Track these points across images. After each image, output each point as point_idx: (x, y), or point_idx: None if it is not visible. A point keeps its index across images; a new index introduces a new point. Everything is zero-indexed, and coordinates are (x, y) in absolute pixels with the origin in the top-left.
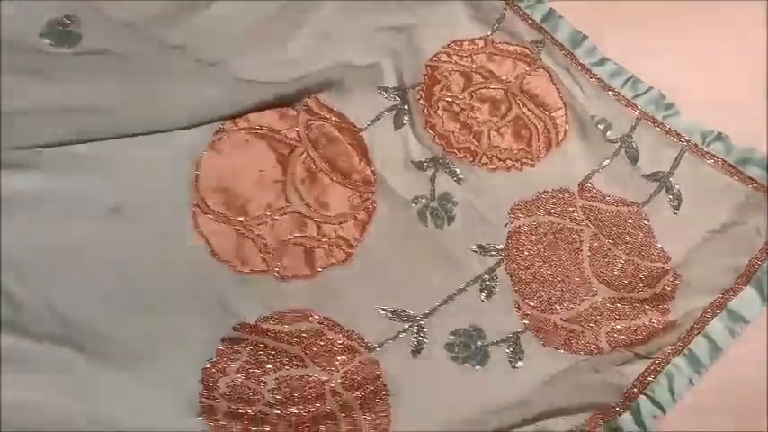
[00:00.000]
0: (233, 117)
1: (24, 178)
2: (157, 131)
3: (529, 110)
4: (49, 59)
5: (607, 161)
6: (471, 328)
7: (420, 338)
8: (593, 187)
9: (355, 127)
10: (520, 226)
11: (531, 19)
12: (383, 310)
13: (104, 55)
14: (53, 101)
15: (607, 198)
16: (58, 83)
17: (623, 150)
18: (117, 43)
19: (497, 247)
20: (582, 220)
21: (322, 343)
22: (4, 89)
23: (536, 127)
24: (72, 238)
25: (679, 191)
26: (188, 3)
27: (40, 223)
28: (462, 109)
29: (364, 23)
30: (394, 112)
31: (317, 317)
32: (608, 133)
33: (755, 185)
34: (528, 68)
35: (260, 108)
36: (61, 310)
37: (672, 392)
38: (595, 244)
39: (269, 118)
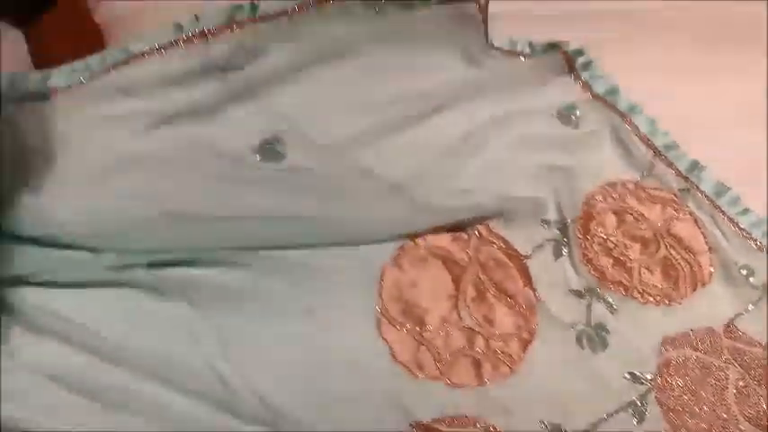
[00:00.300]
0: (413, 236)
1: (233, 275)
2: (348, 244)
3: (676, 252)
4: (259, 173)
5: (751, 306)
6: None
7: None
8: (738, 329)
9: (520, 254)
10: (669, 359)
11: (677, 169)
12: (543, 423)
13: (305, 172)
14: (260, 209)
15: (751, 340)
16: (265, 194)
17: (766, 297)
18: (316, 163)
19: (648, 376)
20: (728, 359)
21: None
22: (222, 196)
23: (683, 268)
24: (272, 333)
25: None
26: (379, 130)
27: (246, 315)
28: (615, 245)
29: (529, 161)
30: (554, 242)
31: (482, 424)
32: (751, 279)
33: None
34: (675, 213)
35: (436, 230)
36: (262, 395)
37: None
38: (741, 383)
39: (444, 240)
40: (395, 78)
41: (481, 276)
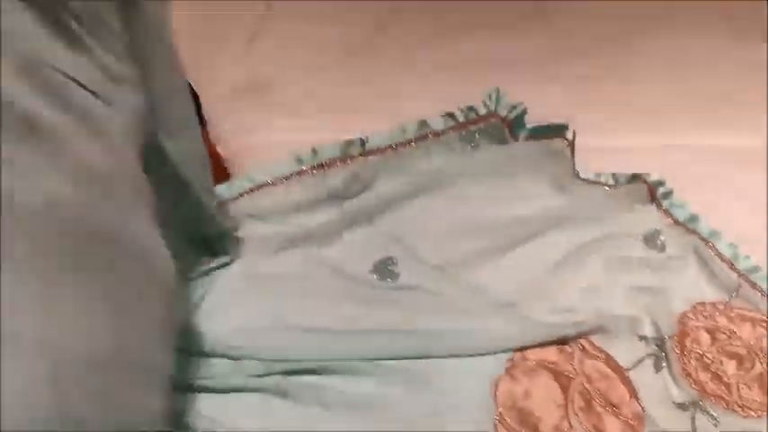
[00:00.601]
0: (522, 349)
1: (358, 383)
2: (463, 355)
3: None
4: (377, 291)
5: None
6: None
7: None
8: None
9: (622, 367)
10: None
11: (762, 291)
12: None
13: (417, 290)
14: (379, 324)
15: None
16: (383, 310)
17: None
18: (428, 281)
19: None
20: None
21: None
22: (344, 312)
23: None
24: None
25: None
26: (485, 252)
27: (374, 418)
28: (712, 361)
29: (624, 282)
30: (654, 357)
31: None
32: None
33: None
34: (766, 332)
35: (543, 344)
36: None
37: None
38: None
39: (551, 353)
40: (490, 206)
41: (587, 387)
